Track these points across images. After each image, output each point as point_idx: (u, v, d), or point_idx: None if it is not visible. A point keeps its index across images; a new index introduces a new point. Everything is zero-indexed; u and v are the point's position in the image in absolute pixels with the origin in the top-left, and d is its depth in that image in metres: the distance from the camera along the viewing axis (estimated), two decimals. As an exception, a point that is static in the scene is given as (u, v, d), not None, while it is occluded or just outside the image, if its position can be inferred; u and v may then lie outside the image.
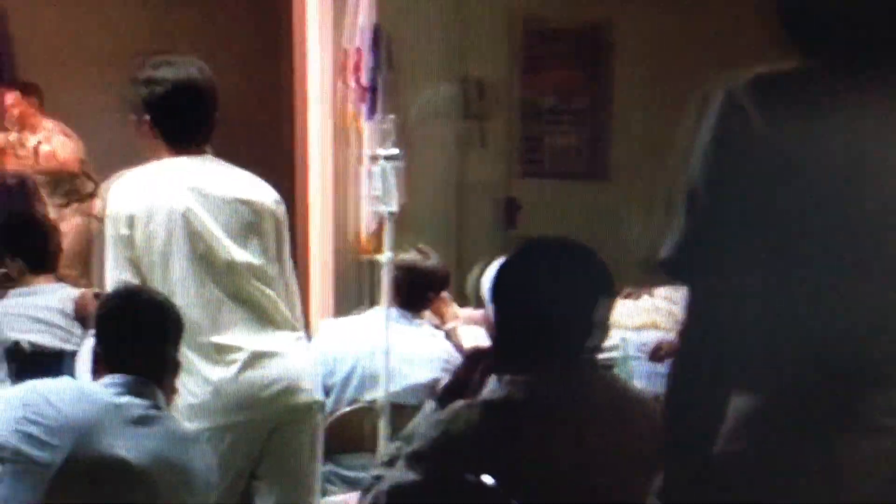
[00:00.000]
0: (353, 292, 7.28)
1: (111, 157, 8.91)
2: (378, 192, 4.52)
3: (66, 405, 3.10)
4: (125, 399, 3.18)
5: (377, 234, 7.18)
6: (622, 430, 2.48)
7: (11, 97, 9.01)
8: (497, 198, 8.13)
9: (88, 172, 8.95)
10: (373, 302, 7.08)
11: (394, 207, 4.55)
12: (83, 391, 3.22)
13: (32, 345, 5.13)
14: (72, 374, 4.69)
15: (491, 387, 2.48)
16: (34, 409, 3.09)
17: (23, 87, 9.09)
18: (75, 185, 8.94)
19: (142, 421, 3.17)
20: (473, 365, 2.69)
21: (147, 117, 3.97)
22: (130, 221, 3.85)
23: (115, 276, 3.85)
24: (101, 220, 8.66)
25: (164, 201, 3.87)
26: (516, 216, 8.09)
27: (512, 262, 2.54)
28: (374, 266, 7.25)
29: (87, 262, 8.09)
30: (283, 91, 7.63)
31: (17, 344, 5.06)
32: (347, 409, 4.85)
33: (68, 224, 8.62)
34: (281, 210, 4.08)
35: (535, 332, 2.42)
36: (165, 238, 3.85)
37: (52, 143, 8.94)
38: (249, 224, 3.97)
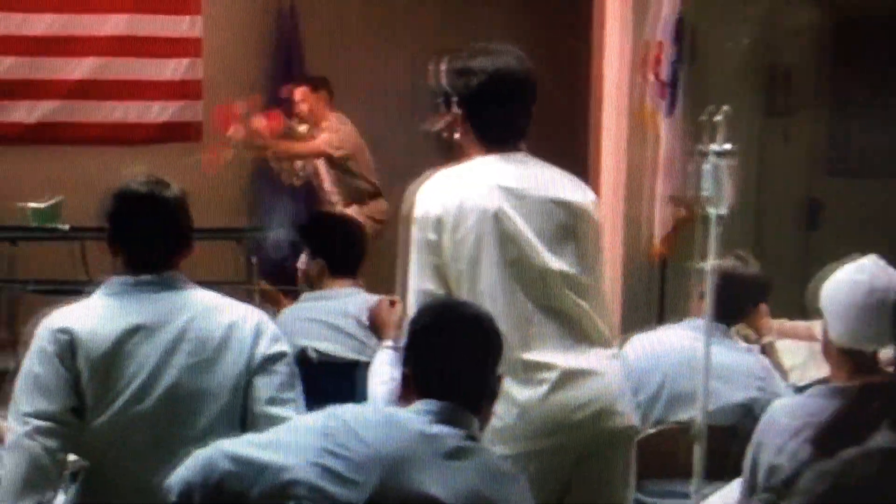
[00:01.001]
0: (643, 300, 6.96)
1: (399, 158, 8.89)
2: (707, 193, 4.08)
3: (372, 435, 2.74)
4: (439, 429, 2.80)
5: (672, 237, 6.84)
6: None
7: (300, 92, 8.94)
8: (799, 197, 7.69)
9: (364, 173, 8.81)
10: (663, 311, 6.77)
11: (723, 210, 4.11)
12: (392, 419, 2.83)
13: (322, 353, 4.87)
14: (363, 387, 4.44)
15: (888, 431, 2.04)
16: (336, 440, 2.74)
17: (312, 82, 9.00)
18: (356, 185, 8.81)
19: (456, 454, 2.78)
20: (863, 402, 2.24)
21: (459, 111, 3.66)
22: (437, 225, 3.52)
23: (419, 284, 3.53)
24: (380, 222, 8.68)
25: (474, 203, 3.53)
26: (819, 217, 7.67)
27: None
28: (664, 271, 6.93)
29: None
30: (582, 86, 7.37)
31: (305, 351, 4.82)
32: (655, 430, 4.46)
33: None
34: (598, 213, 3.71)
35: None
36: (475, 243, 3.51)
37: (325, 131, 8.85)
38: (565, 228, 3.60)
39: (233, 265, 9.13)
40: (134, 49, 9.72)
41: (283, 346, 3.43)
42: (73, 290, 7.64)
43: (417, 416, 2.82)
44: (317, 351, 4.85)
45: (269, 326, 3.46)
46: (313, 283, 5.18)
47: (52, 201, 8.32)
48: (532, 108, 3.68)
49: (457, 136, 3.68)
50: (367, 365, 4.61)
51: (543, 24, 9.01)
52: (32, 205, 8.34)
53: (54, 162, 9.57)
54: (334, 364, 4.85)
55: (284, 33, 10.04)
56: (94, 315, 3.36)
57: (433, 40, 8.73)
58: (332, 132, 8.82)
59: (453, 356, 2.94)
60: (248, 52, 10.03)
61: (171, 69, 9.83)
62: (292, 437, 2.79)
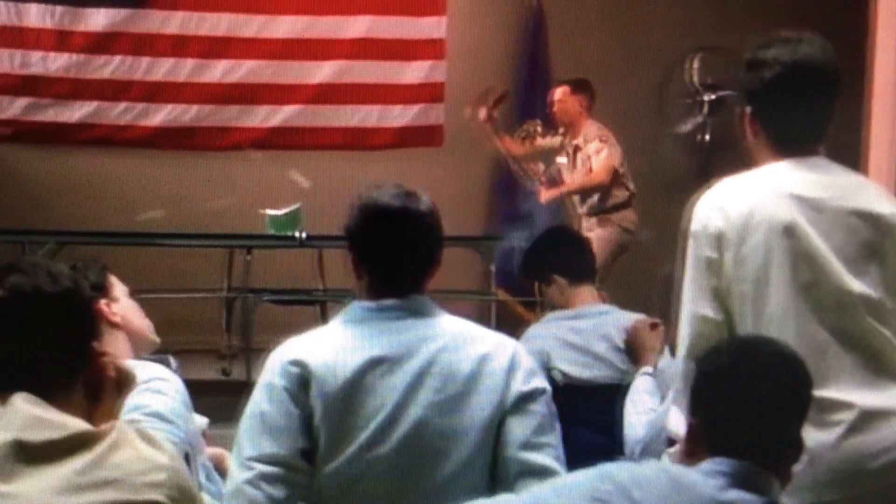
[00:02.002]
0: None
1: (647, 164, 8.46)
2: None
3: (654, 501, 2.35)
4: (736, 494, 2.38)
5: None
6: None
7: (560, 92, 8.55)
8: None
9: (623, 181, 8.39)
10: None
11: None
12: (677, 481, 2.41)
13: (571, 377, 4.49)
14: (616, 417, 4.08)
15: None
16: None
17: (573, 84, 8.57)
18: (606, 193, 8.39)
19: None
20: None
21: (748, 109, 3.23)
22: (718, 241, 3.09)
23: (693, 308, 3.10)
24: (630, 232, 8.26)
25: (763, 215, 3.08)
26: None
27: None
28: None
29: (604, 278, 7.51)
30: (854, 83, 6.86)
31: (554, 374, 4.46)
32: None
33: (592, 234, 8.13)
34: None
35: None
36: (763, 261, 3.06)
37: (591, 155, 8.41)
38: (870, 244, 3.12)
39: (469, 274, 8.88)
40: (376, 52, 9.56)
41: (540, 383, 3.00)
42: (309, 299, 7.55)
43: (709, 479, 2.41)
44: (564, 374, 4.48)
45: (526, 359, 3.02)
46: (557, 303, 4.81)
47: (289, 209, 8.16)
48: (834, 106, 3.21)
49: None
50: (620, 390, 4.26)
51: (809, 21, 8.49)
52: (270, 212, 8.20)
53: (294, 167, 9.47)
54: (585, 389, 4.47)
55: (531, 33, 9.74)
56: (330, 345, 2.96)
57: (686, 37, 8.31)
58: (611, 146, 8.38)
59: (756, 407, 2.51)
60: (494, 52, 9.77)
61: (413, 72, 9.64)
62: (557, 501, 2.41)
